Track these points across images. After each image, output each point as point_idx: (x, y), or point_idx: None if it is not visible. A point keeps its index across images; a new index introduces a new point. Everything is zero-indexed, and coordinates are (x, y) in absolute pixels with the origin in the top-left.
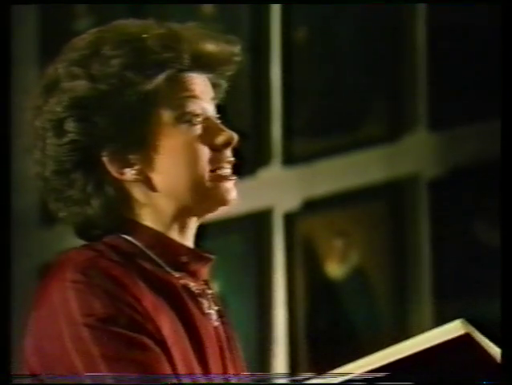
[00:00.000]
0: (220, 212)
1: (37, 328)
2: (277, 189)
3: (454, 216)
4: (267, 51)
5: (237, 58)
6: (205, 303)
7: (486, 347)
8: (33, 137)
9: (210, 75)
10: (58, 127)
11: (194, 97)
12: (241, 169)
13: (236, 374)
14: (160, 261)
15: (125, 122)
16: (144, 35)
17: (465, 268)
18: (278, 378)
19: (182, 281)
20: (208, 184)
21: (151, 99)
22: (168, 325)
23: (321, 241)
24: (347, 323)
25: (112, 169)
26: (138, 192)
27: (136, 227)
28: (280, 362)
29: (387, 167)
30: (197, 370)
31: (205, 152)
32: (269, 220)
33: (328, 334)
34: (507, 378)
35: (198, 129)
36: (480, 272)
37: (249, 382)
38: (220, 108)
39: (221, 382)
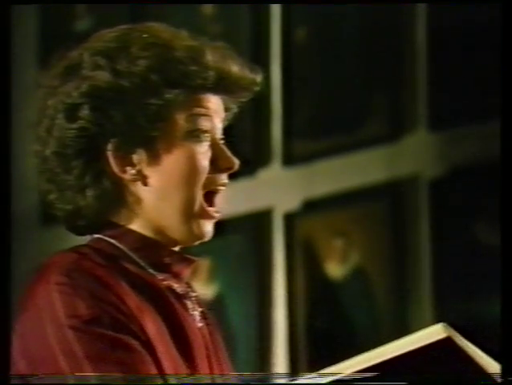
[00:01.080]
0: (191, 245)
1: (23, 331)
2: (277, 189)
3: (454, 216)
4: (267, 51)
5: (257, 88)
6: (189, 304)
7: (468, 351)
8: (41, 114)
9: (225, 98)
10: (71, 111)
11: (208, 116)
12: (241, 169)
13: (223, 374)
14: (143, 264)
15: (138, 122)
16: (175, 44)
17: (465, 268)
18: (278, 378)
19: (166, 283)
20: (198, 203)
21: (167, 107)
22: (152, 325)
23: (321, 241)
24: (347, 323)
25: (114, 165)
26: (132, 196)
27: (120, 230)
28: (280, 362)
29: (387, 167)
30: (184, 370)
31: (204, 171)
32: (269, 220)
33: (328, 334)
34: (507, 378)
35: (205, 148)
36: (480, 272)
37: (238, 382)
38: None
39: (219, 382)
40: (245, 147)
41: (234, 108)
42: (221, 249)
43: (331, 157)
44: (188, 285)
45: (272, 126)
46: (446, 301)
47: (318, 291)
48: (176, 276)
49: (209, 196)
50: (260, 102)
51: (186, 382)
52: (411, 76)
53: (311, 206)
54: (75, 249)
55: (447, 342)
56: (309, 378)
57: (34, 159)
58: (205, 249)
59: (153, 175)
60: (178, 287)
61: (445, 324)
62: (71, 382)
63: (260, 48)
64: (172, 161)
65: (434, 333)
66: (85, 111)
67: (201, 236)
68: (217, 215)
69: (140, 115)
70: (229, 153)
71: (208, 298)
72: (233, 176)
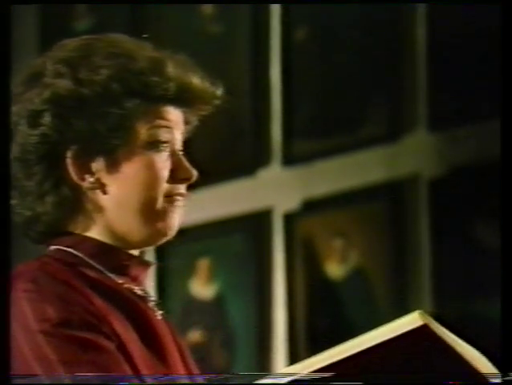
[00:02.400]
0: (159, 243)
1: None
2: (277, 189)
3: (454, 216)
4: (267, 51)
5: (217, 102)
6: (151, 306)
7: (445, 338)
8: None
9: (186, 111)
10: (33, 118)
11: (168, 128)
12: (241, 169)
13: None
14: (102, 269)
15: (98, 130)
16: (137, 55)
17: (465, 268)
18: (278, 378)
19: (126, 286)
20: (158, 207)
21: (128, 116)
22: (120, 326)
23: (321, 241)
24: (347, 323)
25: (73, 172)
26: (91, 204)
27: (76, 238)
28: (280, 362)
29: (387, 167)
30: (159, 369)
31: (163, 181)
32: (269, 220)
33: (328, 334)
34: (507, 377)
35: (164, 158)
36: (480, 272)
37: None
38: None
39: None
40: (245, 147)
41: (195, 121)
42: (221, 249)
43: (331, 157)
44: (145, 290)
45: (272, 126)
46: (446, 301)
47: (317, 291)
48: (135, 279)
49: (170, 200)
50: (260, 102)
51: (167, 382)
52: (411, 76)
53: (311, 206)
54: (37, 259)
55: (424, 329)
56: (270, 379)
57: None
58: (205, 248)
59: (112, 183)
60: (138, 289)
61: (422, 311)
62: (72, 382)
63: (260, 48)
64: (131, 170)
65: (411, 321)
66: (47, 118)
67: (164, 233)
68: (178, 212)
69: (100, 124)
70: (187, 164)
71: (208, 298)
72: (233, 176)
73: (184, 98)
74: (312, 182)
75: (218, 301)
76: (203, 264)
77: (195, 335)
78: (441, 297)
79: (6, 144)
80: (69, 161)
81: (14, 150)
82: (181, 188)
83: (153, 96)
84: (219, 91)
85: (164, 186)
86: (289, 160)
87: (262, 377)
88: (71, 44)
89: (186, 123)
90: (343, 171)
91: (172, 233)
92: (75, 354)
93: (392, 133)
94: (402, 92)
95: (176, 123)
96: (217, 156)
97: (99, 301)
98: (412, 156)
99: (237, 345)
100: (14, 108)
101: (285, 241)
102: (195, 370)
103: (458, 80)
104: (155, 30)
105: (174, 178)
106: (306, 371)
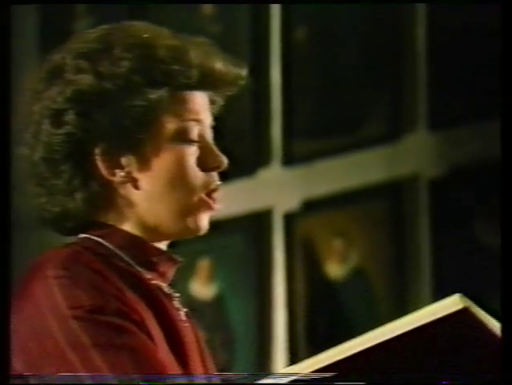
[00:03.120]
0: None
1: (21, 329)
2: (277, 189)
3: (454, 216)
4: (267, 51)
5: (242, 82)
6: (176, 304)
7: (485, 321)
8: (27, 119)
9: (211, 93)
10: (56, 117)
11: (195, 117)
12: (242, 169)
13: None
14: (131, 262)
15: (124, 124)
16: (156, 43)
17: (465, 268)
18: (277, 378)
19: (154, 282)
20: (191, 202)
21: (154, 109)
22: (148, 321)
23: (321, 241)
24: (347, 323)
25: (103, 168)
26: (121, 198)
27: (107, 229)
28: (280, 362)
29: (387, 167)
30: (179, 368)
31: (194, 174)
32: (269, 220)
33: (328, 334)
34: (507, 378)
35: (193, 149)
36: (480, 272)
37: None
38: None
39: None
40: (245, 147)
41: (220, 101)
42: (221, 249)
43: (331, 157)
44: (171, 286)
45: (272, 126)
46: None
47: (317, 291)
48: (162, 276)
49: (207, 194)
50: (260, 102)
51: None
52: (411, 76)
53: (311, 206)
54: (67, 246)
55: (464, 313)
56: (273, 378)
57: (22, 163)
58: (205, 248)
59: (143, 177)
60: (165, 286)
61: (462, 294)
62: (72, 382)
63: (260, 48)
64: (161, 163)
65: (450, 304)
66: (70, 117)
67: (196, 230)
68: (214, 207)
69: (125, 118)
70: (217, 152)
71: (207, 298)
72: (233, 176)
73: (207, 82)
74: (312, 182)
75: (218, 301)
76: (203, 264)
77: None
78: (441, 297)
79: (6, 144)
80: (98, 158)
81: (40, 149)
82: (215, 179)
83: (176, 85)
84: (243, 72)
85: (198, 178)
86: (289, 159)
87: (262, 377)
88: (89, 35)
89: (212, 103)
90: (343, 171)
91: (203, 229)
92: (110, 338)
93: (392, 133)
94: (402, 92)
95: (201, 109)
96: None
97: (129, 294)
98: (412, 155)
99: (237, 345)
100: (36, 107)
101: (285, 241)
102: (213, 372)
103: (458, 80)
104: None
105: (205, 167)
106: (326, 363)
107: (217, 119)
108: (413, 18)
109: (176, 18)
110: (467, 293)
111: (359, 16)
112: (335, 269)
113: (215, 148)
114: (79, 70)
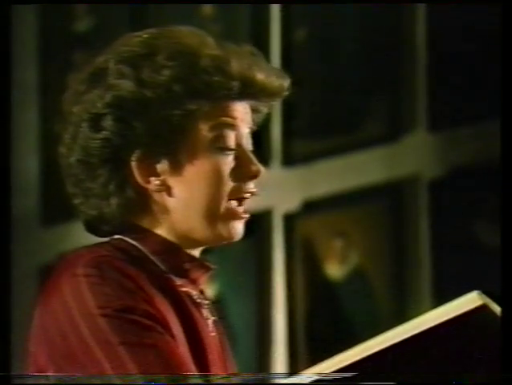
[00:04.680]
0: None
1: (47, 324)
2: (276, 190)
3: (454, 217)
4: (267, 51)
5: (285, 93)
6: (204, 312)
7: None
8: (66, 119)
9: (253, 102)
10: (95, 121)
11: (233, 126)
12: None
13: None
14: (163, 267)
15: (162, 132)
16: (200, 53)
17: (465, 268)
18: (278, 378)
19: (184, 289)
20: (223, 211)
21: (192, 118)
22: (174, 328)
23: (321, 241)
24: (347, 323)
25: (139, 175)
26: (156, 204)
27: (141, 232)
28: (280, 362)
29: (387, 167)
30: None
31: (229, 183)
32: (268, 220)
33: (328, 334)
34: (507, 378)
35: (229, 158)
36: (480, 272)
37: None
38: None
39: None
40: None
41: (264, 110)
42: (220, 249)
43: (331, 157)
44: (202, 293)
45: (271, 126)
46: (446, 301)
47: (317, 291)
48: (193, 282)
49: (238, 201)
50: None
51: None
52: (410, 76)
53: (311, 206)
54: (99, 246)
55: (483, 309)
56: (296, 378)
57: (60, 160)
58: (205, 249)
59: (178, 185)
60: (195, 294)
61: (480, 292)
62: (73, 382)
63: (260, 49)
64: (196, 172)
65: (469, 301)
66: (109, 122)
67: (229, 237)
68: (245, 216)
69: (163, 127)
70: (254, 161)
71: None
72: None
73: (248, 93)
74: (312, 182)
75: (218, 301)
76: None
77: None
78: (441, 298)
79: (6, 144)
80: (134, 164)
81: (77, 151)
82: (249, 187)
83: (216, 96)
84: (286, 83)
85: (230, 186)
86: (289, 160)
87: (262, 377)
88: (134, 39)
89: (254, 112)
90: (343, 171)
91: (237, 236)
92: (137, 336)
93: (391, 133)
94: (402, 92)
95: (241, 118)
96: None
97: (158, 298)
98: (412, 156)
99: (237, 345)
100: (75, 109)
101: (285, 241)
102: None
103: (458, 80)
104: None
105: (241, 176)
106: (349, 361)
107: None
108: (413, 18)
109: (176, 18)
110: (494, 296)
111: (359, 16)
112: (334, 270)
113: (252, 157)
114: (121, 76)
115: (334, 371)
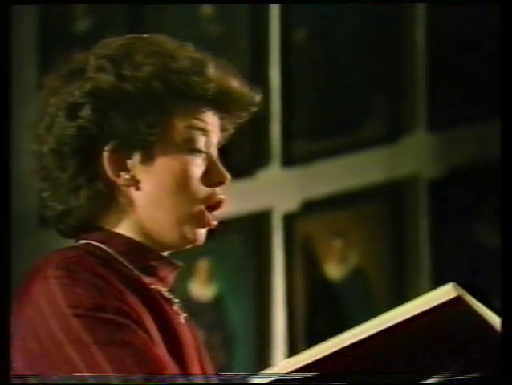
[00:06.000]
0: (181, 250)
1: (23, 329)
2: (276, 190)
3: (454, 217)
4: (266, 52)
5: (255, 108)
6: (176, 309)
7: (479, 310)
8: (41, 113)
9: (223, 116)
10: (72, 110)
11: (205, 131)
12: (241, 170)
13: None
14: (131, 267)
15: (137, 126)
16: (178, 55)
17: (465, 268)
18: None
19: (154, 286)
20: (190, 213)
21: (168, 115)
22: (148, 324)
23: (320, 241)
24: (347, 323)
25: (109, 168)
26: (124, 200)
27: (107, 234)
28: (279, 361)
29: (386, 168)
30: (176, 368)
31: (197, 186)
32: (268, 220)
33: (328, 334)
34: (507, 379)
35: (199, 160)
36: (480, 272)
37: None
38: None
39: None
40: (245, 148)
41: (231, 129)
42: (220, 250)
43: (331, 158)
44: (172, 291)
45: (271, 127)
46: None
47: (317, 291)
48: (162, 280)
49: (207, 208)
50: (259, 102)
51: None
52: (410, 77)
53: (310, 207)
54: (67, 249)
55: (457, 301)
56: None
57: (31, 158)
58: (205, 249)
59: (147, 181)
60: (165, 291)
61: (455, 283)
62: (72, 382)
63: (259, 49)
64: (166, 168)
65: (444, 293)
66: (86, 111)
67: (193, 241)
68: (213, 223)
69: (139, 120)
70: (221, 168)
71: (206, 299)
72: (232, 177)
73: (222, 101)
74: (312, 183)
75: (218, 302)
76: (203, 265)
77: None
78: None
79: (6, 144)
80: (106, 157)
81: (50, 141)
82: (219, 194)
83: (193, 96)
84: (257, 98)
85: (199, 191)
86: (288, 160)
87: (226, 377)
88: (114, 43)
89: (222, 130)
90: (342, 171)
91: (200, 240)
92: (110, 335)
93: (391, 134)
94: (401, 93)
95: (212, 126)
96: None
97: (129, 296)
98: (412, 156)
99: (236, 345)
100: (53, 100)
101: (284, 241)
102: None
103: (458, 80)
104: (155, 31)
105: (209, 181)
106: (313, 359)
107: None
108: (413, 18)
109: (176, 18)
110: (470, 288)
111: (358, 16)
112: (334, 270)
113: (219, 164)
114: (101, 70)
115: (294, 370)
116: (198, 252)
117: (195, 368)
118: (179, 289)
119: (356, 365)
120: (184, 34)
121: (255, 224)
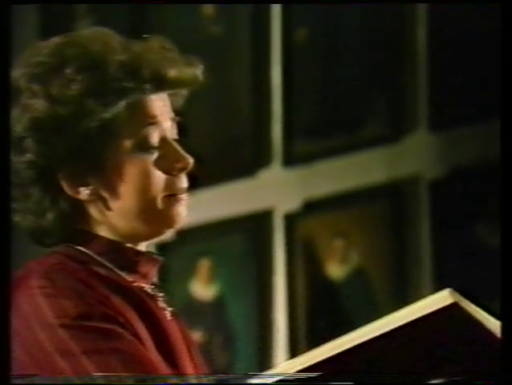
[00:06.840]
0: (169, 235)
1: (12, 341)
2: (277, 190)
3: (455, 217)
4: (267, 52)
5: (199, 81)
6: (160, 304)
7: (476, 316)
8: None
9: (170, 92)
10: (17, 144)
11: (154, 123)
12: (242, 170)
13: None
14: (112, 267)
15: (83, 148)
16: (106, 60)
17: (466, 268)
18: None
19: (136, 284)
20: (159, 207)
21: (110, 128)
22: (134, 323)
23: (321, 241)
24: (348, 323)
25: (67, 188)
26: (93, 210)
27: (86, 237)
28: (280, 362)
29: (387, 168)
30: (168, 368)
31: (160, 178)
32: (269, 220)
33: (328, 334)
34: (507, 379)
35: (156, 155)
36: (480, 272)
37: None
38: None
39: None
40: (246, 148)
41: (183, 92)
42: (221, 249)
43: (332, 158)
44: (156, 286)
45: (272, 126)
46: None
47: (318, 291)
48: (144, 277)
49: (173, 196)
50: (260, 102)
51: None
52: (411, 76)
53: (312, 207)
54: (47, 256)
55: (454, 307)
56: (258, 379)
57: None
58: (206, 249)
59: (108, 192)
60: (148, 288)
61: (451, 289)
62: (72, 381)
63: (260, 48)
64: (123, 177)
65: (440, 299)
66: (30, 144)
67: (172, 225)
68: (184, 201)
69: (82, 141)
70: (182, 152)
71: (207, 299)
72: (234, 177)
73: (163, 87)
74: (313, 182)
75: (219, 302)
76: (204, 264)
77: (195, 336)
78: None
79: (6, 144)
80: (61, 178)
81: (11, 174)
82: (182, 183)
83: (130, 98)
84: (199, 71)
85: (162, 183)
86: (289, 160)
87: (251, 377)
88: (42, 50)
89: (173, 96)
90: (343, 171)
91: (177, 225)
92: (98, 343)
93: (392, 134)
94: (403, 93)
95: (161, 113)
96: (218, 156)
97: (113, 298)
98: (413, 156)
99: (237, 345)
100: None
101: (285, 241)
102: (203, 369)
103: (459, 80)
104: (155, 31)
105: (171, 170)
106: (315, 360)
107: (218, 120)
108: (413, 18)
109: (176, 18)
110: (467, 294)
111: (359, 16)
112: (335, 270)
113: (179, 149)
114: (33, 94)
115: (298, 371)
116: (199, 252)
117: (186, 363)
118: (179, 289)
119: (353, 369)
120: (185, 34)
121: (256, 224)
